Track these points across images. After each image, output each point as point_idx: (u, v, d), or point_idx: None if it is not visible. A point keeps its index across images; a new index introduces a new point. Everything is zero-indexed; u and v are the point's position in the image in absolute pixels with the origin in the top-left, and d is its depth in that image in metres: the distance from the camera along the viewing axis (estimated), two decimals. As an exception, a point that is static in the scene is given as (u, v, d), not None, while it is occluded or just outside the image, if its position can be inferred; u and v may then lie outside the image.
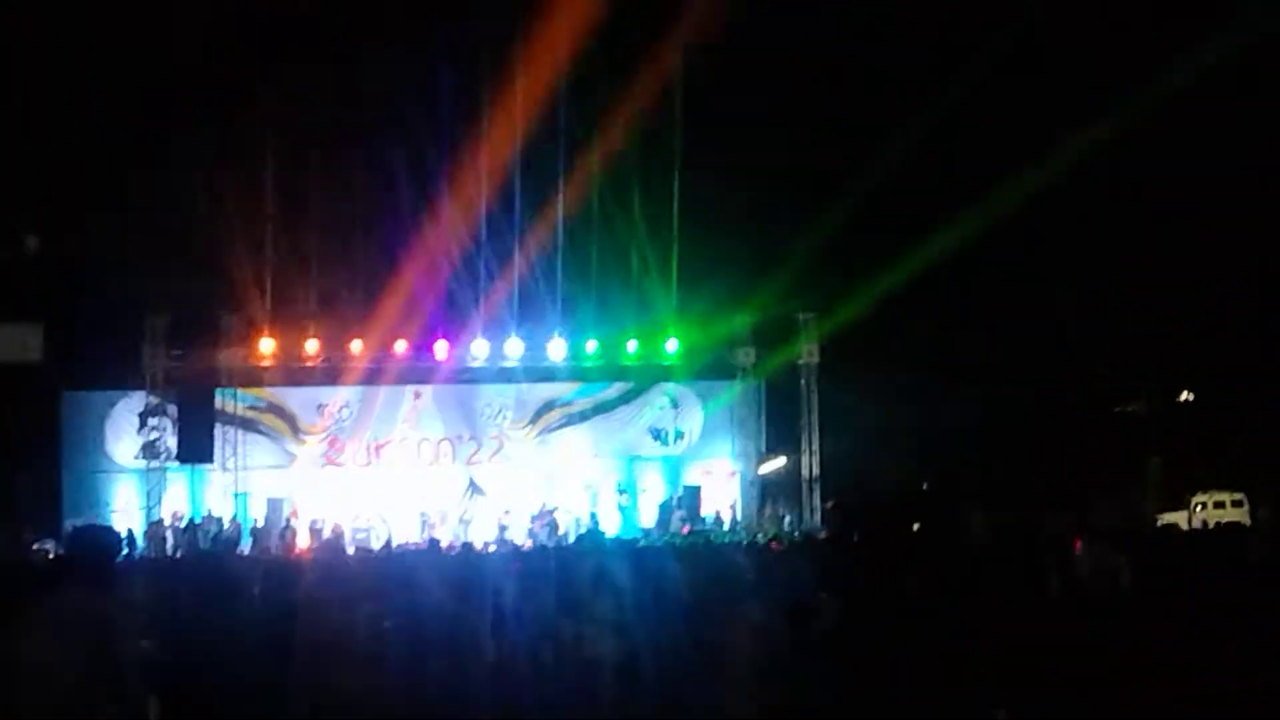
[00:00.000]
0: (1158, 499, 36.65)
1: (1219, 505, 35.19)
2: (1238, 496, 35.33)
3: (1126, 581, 15.22)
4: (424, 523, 33.21)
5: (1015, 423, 34.91)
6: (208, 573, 8.95)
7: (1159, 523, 33.65)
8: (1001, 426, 34.78)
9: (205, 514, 33.04)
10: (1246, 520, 32.83)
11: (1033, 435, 34.97)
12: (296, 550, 30.74)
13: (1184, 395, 39.94)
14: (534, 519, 33.63)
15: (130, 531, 30.71)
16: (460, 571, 12.86)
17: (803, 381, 35.93)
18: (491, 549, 28.53)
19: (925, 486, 35.23)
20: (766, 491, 36.42)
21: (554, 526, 32.94)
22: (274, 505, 33.90)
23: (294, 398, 35.25)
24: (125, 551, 27.23)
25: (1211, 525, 30.12)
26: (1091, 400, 37.66)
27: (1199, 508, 35.37)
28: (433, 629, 10.72)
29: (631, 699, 8.92)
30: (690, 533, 32.25)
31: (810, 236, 31.56)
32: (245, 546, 31.46)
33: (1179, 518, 34.15)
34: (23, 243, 26.36)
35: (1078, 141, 30.23)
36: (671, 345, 35.05)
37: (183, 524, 32.49)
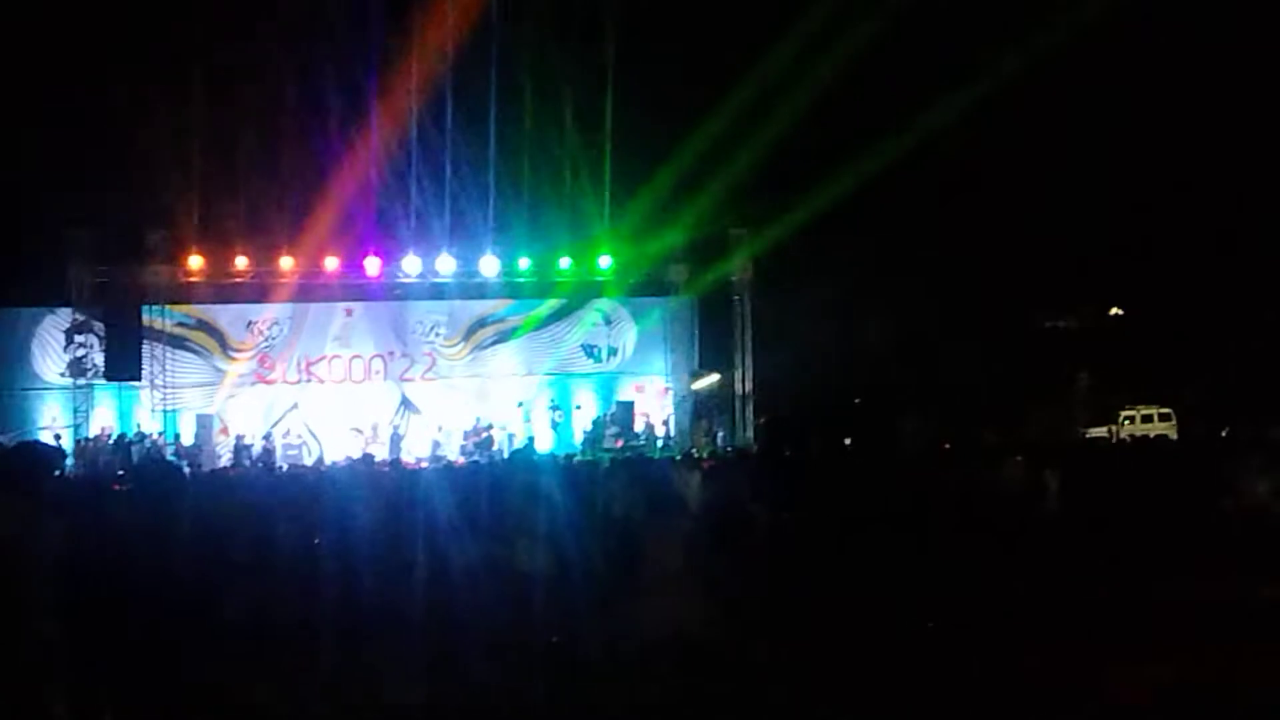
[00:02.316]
0: (1085, 413, 37.12)
1: (1146, 419, 35.71)
2: (1165, 410, 35.86)
3: (1054, 493, 15.43)
4: (356, 439, 33.11)
5: (946, 338, 35.16)
6: (141, 488, 8.84)
7: (1086, 436, 34.15)
8: (932, 341, 35.02)
9: (135, 431, 32.80)
10: (1173, 434, 33.36)
11: (963, 350, 35.23)
12: (227, 467, 30.63)
13: (1113, 310, 40.38)
14: (467, 435, 33.68)
15: (60, 448, 30.47)
16: (393, 487, 12.83)
17: (735, 298, 35.90)
18: (425, 465, 28.54)
19: (857, 401, 35.53)
20: (699, 407, 36.50)
21: (487, 443, 32.99)
22: (203, 422, 33.69)
23: (223, 314, 34.88)
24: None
25: (1139, 438, 30.61)
26: (1021, 315, 37.99)
27: (1126, 421, 35.86)
28: (365, 545, 10.71)
29: (563, 611, 8.96)
30: (623, 448, 32.37)
31: (743, 153, 31.49)
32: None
33: (1106, 431, 34.66)
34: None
35: (1008, 55, 30.27)
36: (604, 262, 34.97)
37: (111, 440, 32.26)
